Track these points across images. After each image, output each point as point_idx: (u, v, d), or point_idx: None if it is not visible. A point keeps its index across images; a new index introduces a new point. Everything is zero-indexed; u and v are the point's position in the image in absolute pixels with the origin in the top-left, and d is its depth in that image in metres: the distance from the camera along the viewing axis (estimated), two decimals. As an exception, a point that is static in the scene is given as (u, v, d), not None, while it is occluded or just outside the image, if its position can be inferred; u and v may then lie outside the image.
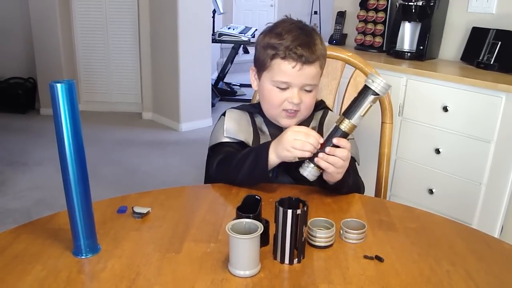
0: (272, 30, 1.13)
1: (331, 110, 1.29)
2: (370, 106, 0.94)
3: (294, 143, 0.96)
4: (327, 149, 0.96)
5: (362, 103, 0.94)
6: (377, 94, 0.93)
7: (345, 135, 0.96)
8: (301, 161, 0.99)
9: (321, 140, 0.96)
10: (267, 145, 1.04)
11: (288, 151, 0.98)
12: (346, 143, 0.96)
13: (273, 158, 1.02)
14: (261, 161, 1.03)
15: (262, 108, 1.20)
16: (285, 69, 1.10)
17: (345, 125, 0.95)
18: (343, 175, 1.00)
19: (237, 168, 1.06)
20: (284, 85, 1.12)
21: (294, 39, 1.09)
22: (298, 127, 1.00)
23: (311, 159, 0.97)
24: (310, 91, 1.13)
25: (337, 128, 0.96)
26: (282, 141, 0.99)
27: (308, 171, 0.98)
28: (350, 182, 1.05)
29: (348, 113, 0.95)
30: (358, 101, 0.94)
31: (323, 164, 0.96)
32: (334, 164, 0.96)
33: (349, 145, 0.98)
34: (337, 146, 0.96)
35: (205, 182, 1.22)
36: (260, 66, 1.16)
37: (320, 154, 0.96)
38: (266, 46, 1.12)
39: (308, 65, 1.09)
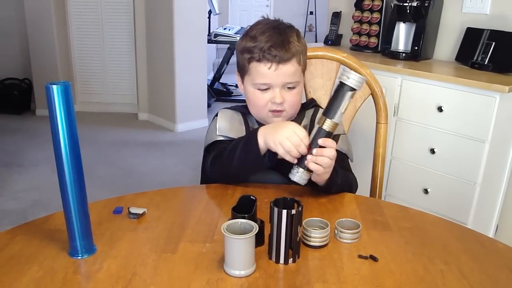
0: (248, 34, 1.15)
1: (322, 108, 1.30)
2: (349, 102, 0.94)
3: (284, 142, 0.96)
4: (314, 150, 0.95)
5: (341, 101, 0.93)
6: (354, 89, 0.92)
7: (329, 134, 0.96)
8: (290, 167, 0.99)
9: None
10: (255, 130, 1.05)
11: (274, 144, 0.98)
12: (331, 143, 0.96)
13: (261, 142, 1.02)
14: (252, 146, 1.03)
15: (250, 112, 1.20)
16: (262, 71, 1.11)
17: (327, 125, 0.95)
18: (330, 174, 1.01)
19: (230, 158, 1.06)
20: (265, 87, 1.12)
21: (267, 40, 1.10)
22: (299, 130, 0.98)
23: (299, 164, 0.97)
24: (293, 88, 1.14)
25: (320, 129, 0.95)
26: (275, 130, 1.00)
27: (299, 176, 0.97)
28: (339, 182, 1.05)
29: (328, 112, 0.94)
30: (337, 99, 0.93)
31: (312, 166, 0.96)
32: (322, 164, 0.96)
33: (335, 144, 0.98)
34: (323, 147, 0.96)
35: (201, 183, 1.22)
36: (241, 70, 1.17)
37: (309, 157, 0.96)
38: (242, 50, 1.14)
39: (284, 63, 1.10)
